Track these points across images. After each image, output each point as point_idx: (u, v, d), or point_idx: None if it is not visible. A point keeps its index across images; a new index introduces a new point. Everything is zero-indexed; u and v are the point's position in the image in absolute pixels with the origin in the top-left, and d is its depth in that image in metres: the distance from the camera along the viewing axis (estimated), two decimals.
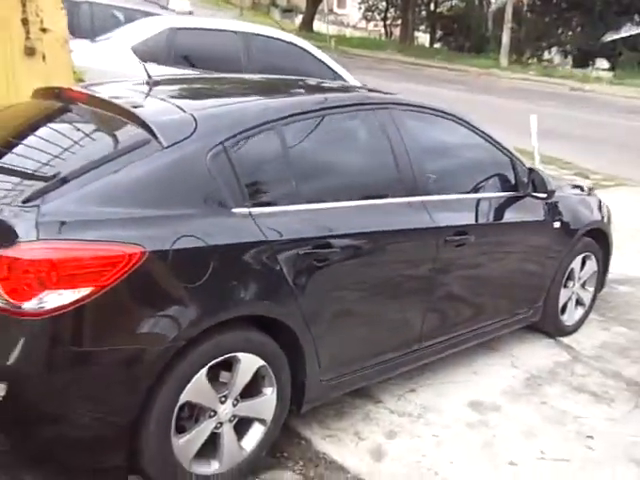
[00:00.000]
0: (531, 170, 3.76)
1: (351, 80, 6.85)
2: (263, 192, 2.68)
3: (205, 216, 2.47)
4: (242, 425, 2.68)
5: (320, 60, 6.77)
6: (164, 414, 2.38)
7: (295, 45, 6.77)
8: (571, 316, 4.38)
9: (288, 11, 52.45)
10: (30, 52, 3.83)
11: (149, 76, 3.05)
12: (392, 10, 37.25)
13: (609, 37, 27.69)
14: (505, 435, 3.26)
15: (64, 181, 2.30)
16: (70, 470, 2.54)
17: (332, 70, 6.75)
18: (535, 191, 3.75)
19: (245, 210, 2.56)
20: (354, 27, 42.08)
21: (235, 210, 2.54)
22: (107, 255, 2.21)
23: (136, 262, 2.24)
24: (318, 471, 2.87)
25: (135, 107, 2.60)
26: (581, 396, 3.69)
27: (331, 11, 37.26)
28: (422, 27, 36.76)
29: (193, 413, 2.53)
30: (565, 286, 4.23)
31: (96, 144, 2.54)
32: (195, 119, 2.56)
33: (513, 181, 3.74)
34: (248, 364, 2.59)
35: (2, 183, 2.42)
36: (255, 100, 2.96)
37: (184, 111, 2.60)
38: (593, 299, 4.55)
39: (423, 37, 37.49)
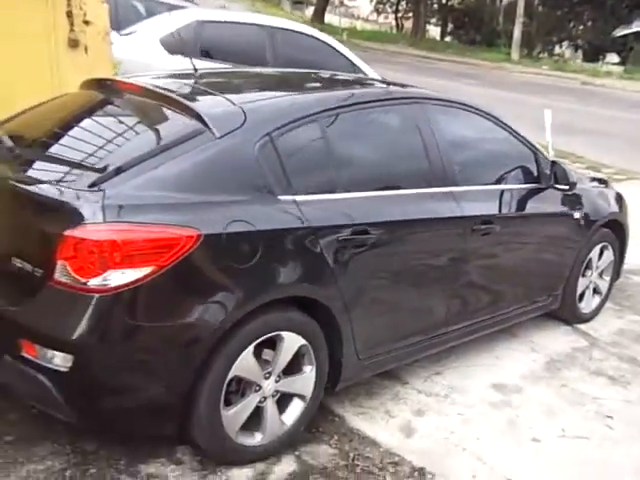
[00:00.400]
0: (554, 163, 3.91)
1: (370, 73, 7.00)
2: (306, 181, 2.83)
3: (254, 202, 2.63)
4: (283, 400, 2.85)
5: (341, 53, 6.92)
6: (215, 387, 2.55)
7: (317, 39, 6.93)
8: (588, 304, 4.53)
9: (299, 2, 52.42)
10: (74, 44, 4.00)
11: (195, 69, 3.21)
12: (403, 3, 37.24)
13: (620, 32, 27.71)
14: (527, 414, 3.42)
15: (126, 167, 2.46)
16: (126, 439, 2.72)
17: (352, 63, 6.90)
18: (557, 183, 3.90)
19: (290, 197, 2.72)
20: (365, 19, 42.09)
21: (281, 197, 2.70)
22: (166, 237, 2.38)
23: (192, 244, 2.40)
24: (352, 445, 3.03)
25: (188, 100, 2.76)
26: (599, 379, 3.85)
27: (342, 3, 37.27)
28: (433, 20, 36.79)
29: (240, 388, 2.70)
30: (583, 275, 4.38)
31: (153, 133, 2.71)
32: (244, 112, 2.72)
33: (536, 173, 3.88)
34: (291, 342, 2.76)
35: (67, 168, 2.59)
36: (298, 94, 3.12)
37: (234, 104, 2.77)
38: (609, 288, 4.70)
39: (434, 30, 37.52)
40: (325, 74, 3.85)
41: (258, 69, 4.10)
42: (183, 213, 2.45)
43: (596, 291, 4.58)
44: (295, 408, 2.89)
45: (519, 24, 26.35)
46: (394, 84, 3.67)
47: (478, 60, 25.95)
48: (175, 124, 2.68)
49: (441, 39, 35.28)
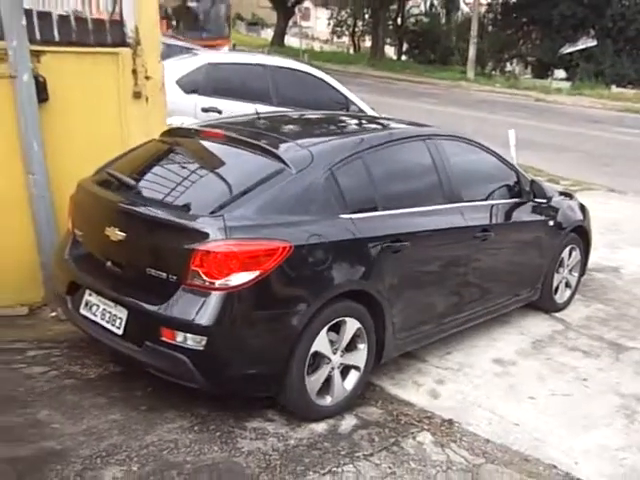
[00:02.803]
0: (532, 181, 4.92)
1: (361, 104, 7.96)
2: (357, 202, 3.74)
3: (324, 220, 3.53)
4: (344, 371, 3.73)
5: (335, 88, 7.85)
6: (302, 359, 3.42)
7: (312, 75, 7.84)
8: (561, 296, 5.52)
9: (253, 24, 53.36)
10: (137, 96, 4.83)
11: (258, 114, 4.11)
12: (360, 24, 38.61)
13: (567, 49, 29.38)
14: (523, 380, 4.36)
15: (234, 198, 3.35)
16: (228, 405, 3.57)
17: (345, 97, 7.84)
18: (535, 197, 4.89)
19: (347, 216, 3.63)
20: (322, 41, 43.34)
21: (341, 216, 3.61)
22: (269, 248, 3.26)
23: (286, 253, 3.29)
24: (393, 406, 3.92)
25: (269, 145, 3.65)
26: (575, 353, 4.82)
27: (295, 24, 38.30)
28: (389, 40, 38.23)
29: (315, 361, 3.56)
30: (557, 272, 5.37)
31: (246, 172, 3.58)
32: (311, 153, 3.63)
33: (518, 189, 4.87)
34: (351, 326, 3.65)
35: (186, 200, 3.44)
36: (345, 136, 4.05)
37: (302, 147, 3.68)
38: (578, 282, 5.71)
39: (389, 50, 39.00)
40: (359, 117, 4.77)
41: (300, 112, 4.98)
42: (278, 230, 3.34)
43: (567, 285, 5.57)
44: (353, 377, 3.77)
45: (473, 44, 27.79)
46: (410, 123, 4.64)
47: (435, 79, 27.34)
48: (262, 164, 3.56)
49: (398, 59, 36.73)
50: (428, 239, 4.07)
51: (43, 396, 3.52)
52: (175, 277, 3.26)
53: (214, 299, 3.19)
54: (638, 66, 27.54)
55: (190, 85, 7.30)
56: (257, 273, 3.22)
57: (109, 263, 3.60)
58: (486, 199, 4.64)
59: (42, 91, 4.31)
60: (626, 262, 6.98)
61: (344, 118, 4.74)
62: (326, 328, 3.52)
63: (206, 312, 3.18)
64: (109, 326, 3.51)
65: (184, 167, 3.80)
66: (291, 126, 4.42)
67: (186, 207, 3.39)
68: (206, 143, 3.92)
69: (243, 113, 4.92)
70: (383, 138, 4.06)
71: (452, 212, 4.26)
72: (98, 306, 3.61)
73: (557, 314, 5.48)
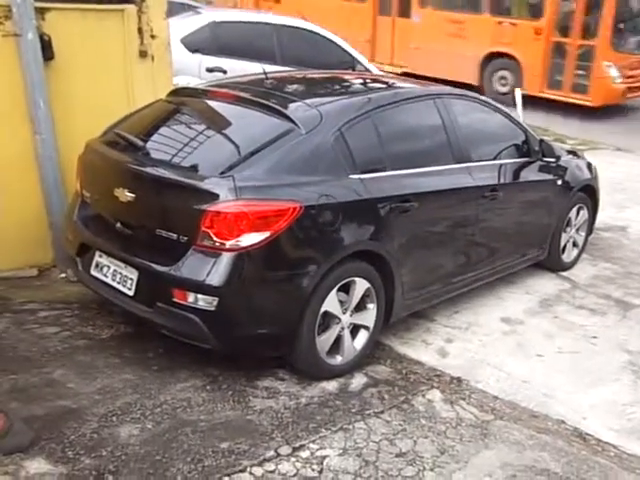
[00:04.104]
0: (542, 140, 4.87)
1: (366, 63, 7.86)
2: (366, 162, 3.71)
3: (334, 181, 3.51)
4: (354, 331, 3.76)
5: (341, 47, 7.74)
6: (312, 319, 3.44)
7: (319, 34, 7.72)
8: (569, 255, 5.53)
9: None
10: (143, 55, 4.77)
11: (265, 75, 4.06)
12: None
13: None
14: (531, 338, 4.40)
15: (244, 159, 3.33)
16: (239, 365, 3.61)
17: (351, 55, 7.74)
18: (544, 156, 4.85)
19: (357, 176, 3.61)
20: None
21: (351, 176, 3.59)
22: (279, 209, 3.25)
23: (297, 214, 3.28)
24: (403, 365, 3.96)
25: (279, 105, 3.61)
26: (582, 311, 4.85)
27: None
28: None
29: (325, 321, 3.59)
30: (564, 231, 5.36)
31: (256, 132, 3.54)
32: (320, 113, 3.59)
33: (527, 149, 4.83)
34: (361, 286, 3.66)
35: (196, 160, 3.42)
36: (354, 96, 3.99)
37: (311, 107, 3.63)
38: (585, 242, 5.71)
39: None
40: (363, 75, 4.71)
41: (307, 72, 4.91)
42: (288, 190, 3.32)
43: (574, 244, 5.58)
44: (362, 336, 3.80)
45: None
46: (417, 83, 4.58)
47: None
48: (271, 124, 3.53)
49: None
50: (436, 199, 4.05)
51: (57, 356, 3.56)
52: (185, 238, 3.26)
53: (225, 260, 3.19)
54: None
55: (194, 44, 7.20)
56: (268, 234, 3.22)
57: (118, 224, 3.60)
58: (495, 158, 4.61)
59: (47, 49, 4.24)
60: (633, 221, 6.98)
61: (352, 78, 4.67)
62: (336, 288, 3.53)
63: (217, 273, 3.19)
64: (120, 287, 3.53)
65: (192, 127, 3.77)
66: (299, 86, 4.36)
67: (195, 168, 3.37)
68: (214, 103, 3.87)
69: (249, 72, 4.87)
70: (392, 97, 4.01)
71: (461, 172, 4.23)
72: (109, 267, 3.62)
73: (564, 273, 5.50)
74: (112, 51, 4.66)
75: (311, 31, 7.65)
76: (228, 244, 3.19)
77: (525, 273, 5.32)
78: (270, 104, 3.63)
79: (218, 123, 3.72)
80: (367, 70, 7.71)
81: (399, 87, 4.37)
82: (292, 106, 3.64)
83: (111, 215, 3.69)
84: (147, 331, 3.74)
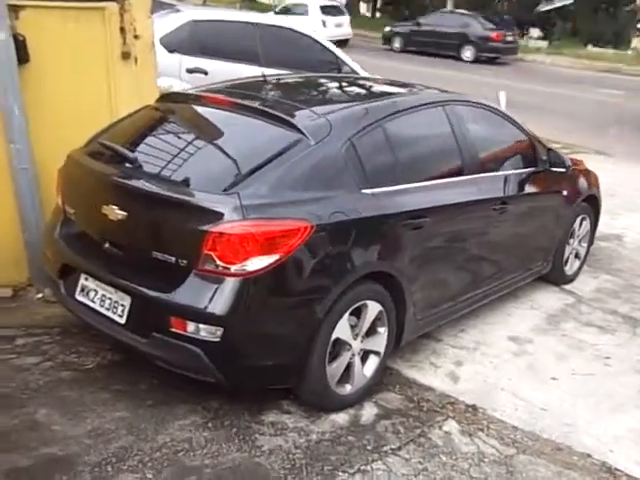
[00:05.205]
0: (550, 149, 4.65)
1: (353, 65, 7.58)
2: (377, 175, 3.43)
3: (345, 196, 3.22)
4: (364, 357, 3.48)
5: (325, 47, 7.45)
6: (322, 347, 3.15)
7: (303, 34, 7.41)
8: (571, 267, 5.33)
9: None
10: (126, 56, 4.41)
11: (264, 77, 3.75)
12: None
13: (544, 7, 29.01)
14: (542, 359, 4.17)
15: (249, 173, 3.01)
16: (240, 397, 3.30)
17: (337, 57, 7.44)
18: (552, 166, 4.63)
19: (369, 191, 3.33)
20: None
21: (363, 191, 3.31)
22: (289, 229, 2.95)
23: (307, 234, 2.98)
24: (413, 391, 3.69)
25: (284, 114, 3.30)
26: (590, 329, 4.64)
27: None
28: None
29: (335, 348, 3.30)
30: (567, 243, 5.16)
31: (260, 143, 3.24)
32: (329, 122, 3.30)
33: (535, 158, 4.61)
34: (372, 309, 3.38)
35: (194, 174, 3.10)
36: (363, 103, 3.69)
37: (319, 115, 3.33)
38: (586, 253, 5.52)
39: (363, 7, 38.08)
40: (375, 80, 4.41)
41: (306, 75, 4.60)
42: (298, 208, 3.02)
43: (577, 256, 5.38)
44: (372, 363, 3.52)
45: (451, 0, 27.24)
46: (422, 87, 4.32)
47: None
48: (276, 135, 3.22)
49: (372, 16, 35.93)
50: (449, 214, 3.79)
51: (39, 392, 3.21)
52: (185, 261, 2.95)
53: (230, 286, 2.88)
54: (614, 25, 27.32)
55: (173, 44, 6.84)
56: (277, 257, 2.92)
57: (107, 244, 3.27)
58: (503, 169, 4.36)
59: (22, 51, 3.88)
60: (628, 229, 6.85)
61: (355, 82, 4.39)
62: (347, 313, 3.25)
63: (222, 300, 2.88)
64: (109, 314, 3.20)
65: (188, 138, 3.43)
66: (302, 91, 4.06)
67: (195, 183, 3.05)
68: (210, 110, 3.55)
69: (234, 74, 4.56)
70: (402, 105, 3.72)
71: (472, 184, 3.98)
72: (96, 292, 3.28)
73: (567, 286, 5.30)
74: (92, 53, 4.29)
75: (294, 31, 7.35)
76: (233, 268, 2.88)
77: (528, 287, 5.10)
78: (274, 112, 3.32)
79: (217, 133, 3.40)
80: (353, 71, 7.43)
81: (408, 93, 4.10)
82: (299, 114, 3.34)
83: (98, 234, 3.35)
84: (137, 359, 3.41)
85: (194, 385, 3.21)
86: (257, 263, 2.89)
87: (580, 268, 5.48)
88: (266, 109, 3.37)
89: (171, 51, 6.84)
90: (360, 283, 3.27)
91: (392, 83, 4.42)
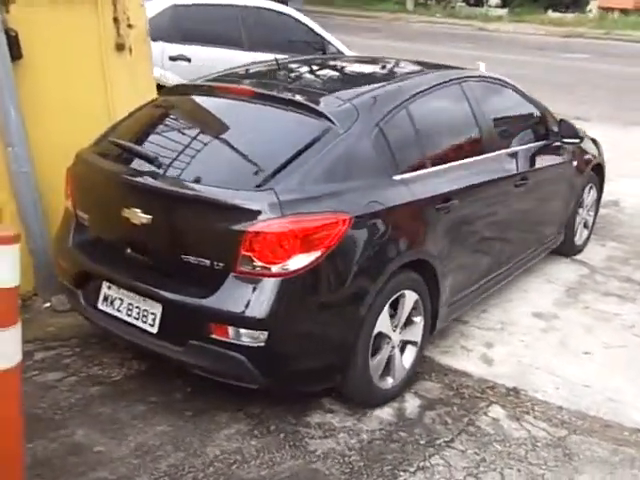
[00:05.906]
0: (561, 121, 4.56)
1: (339, 45, 7.40)
2: (406, 160, 3.30)
3: (378, 184, 3.08)
4: (402, 349, 3.37)
5: (309, 28, 7.25)
6: (366, 343, 3.03)
7: (286, 15, 7.20)
8: (580, 237, 5.29)
9: None
10: (120, 47, 4.18)
11: (277, 62, 3.57)
12: None
13: None
14: (571, 334, 4.11)
15: (282, 167, 2.85)
16: (278, 399, 3.16)
17: (322, 37, 7.25)
18: (563, 137, 4.54)
19: (400, 177, 3.20)
20: None
21: (394, 177, 3.17)
22: (329, 223, 2.80)
23: (347, 227, 2.84)
24: (450, 378, 3.60)
25: (308, 101, 3.13)
26: (610, 299, 4.60)
27: None
28: None
29: (376, 342, 3.17)
30: (577, 213, 5.10)
31: (289, 134, 3.07)
32: (356, 107, 3.14)
33: (547, 130, 4.52)
34: (410, 298, 3.26)
35: (221, 171, 2.93)
36: (385, 85, 3.53)
37: (344, 101, 3.17)
38: (593, 222, 5.48)
39: None
40: (394, 61, 4.23)
41: (311, 58, 4.41)
42: (334, 200, 2.87)
43: (585, 225, 5.34)
44: (410, 353, 3.42)
45: None
46: (434, 66, 4.18)
47: (374, 12, 26.51)
48: (303, 124, 3.05)
49: None
50: (475, 194, 3.67)
51: (72, 411, 3.02)
52: (222, 264, 2.78)
53: (272, 287, 2.73)
54: None
55: (154, 31, 6.54)
56: (318, 253, 2.77)
57: (129, 250, 3.09)
58: (521, 144, 4.26)
59: (15, 48, 3.63)
60: (622, 194, 6.84)
61: (363, 62, 4.22)
62: (387, 305, 3.12)
63: (265, 303, 2.72)
64: (139, 323, 3.02)
65: (210, 132, 3.23)
66: (318, 75, 3.88)
67: (224, 181, 2.87)
68: (228, 101, 3.35)
69: (217, 59, 4.37)
70: (422, 85, 3.57)
71: (493, 162, 3.88)
72: (121, 300, 3.10)
73: (577, 257, 5.26)
74: (86, 46, 4.09)
75: (277, 11, 7.13)
76: (274, 269, 2.72)
77: (540, 261, 5.03)
78: (297, 99, 3.15)
79: (239, 125, 3.20)
80: (339, 51, 7.25)
81: (424, 71, 3.96)
82: (324, 101, 3.17)
83: (119, 240, 3.15)
84: (164, 367, 3.26)
85: (229, 390, 3.05)
86: (299, 261, 2.74)
87: (588, 238, 5.44)
88: (287, 96, 3.20)
89: (154, 39, 6.56)
90: (398, 273, 3.14)
91: (405, 62, 4.25)
